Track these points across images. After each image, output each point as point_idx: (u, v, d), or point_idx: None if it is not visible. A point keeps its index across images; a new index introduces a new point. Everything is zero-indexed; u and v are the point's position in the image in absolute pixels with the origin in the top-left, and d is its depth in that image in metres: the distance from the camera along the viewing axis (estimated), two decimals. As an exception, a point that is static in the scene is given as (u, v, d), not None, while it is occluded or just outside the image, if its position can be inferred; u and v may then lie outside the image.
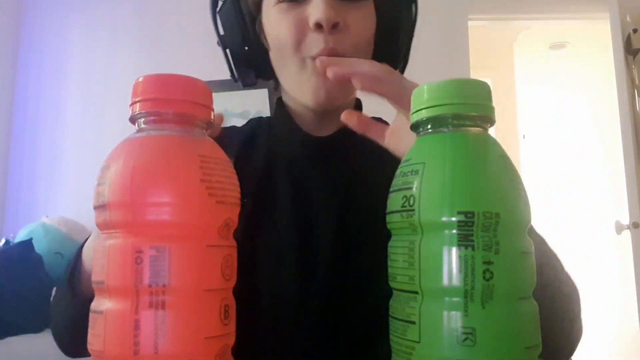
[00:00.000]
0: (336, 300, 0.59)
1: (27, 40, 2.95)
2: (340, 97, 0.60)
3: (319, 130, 0.64)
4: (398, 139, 0.50)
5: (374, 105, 0.71)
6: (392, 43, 0.62)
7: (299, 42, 0.56)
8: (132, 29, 2.81)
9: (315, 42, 0.55)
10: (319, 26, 0.54)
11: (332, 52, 0.55)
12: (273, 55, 0.61)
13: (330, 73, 0.47)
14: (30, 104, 2.89)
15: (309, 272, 0.59)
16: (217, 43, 0.64)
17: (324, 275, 0.59)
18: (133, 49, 2.77)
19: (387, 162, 0.64)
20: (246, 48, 0.61)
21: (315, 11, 0.54)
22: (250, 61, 0.62)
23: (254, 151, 0.66)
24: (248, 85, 0.65)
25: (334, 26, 0.55)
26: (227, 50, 0.63)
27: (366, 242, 0.57)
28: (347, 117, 0.53)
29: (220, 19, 0.63)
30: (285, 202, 0.61)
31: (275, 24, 0.58)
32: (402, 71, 0.65)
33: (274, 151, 0.65)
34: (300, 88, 0.59)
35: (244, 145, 0.66)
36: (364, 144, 0.60)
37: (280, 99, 0.67)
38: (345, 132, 0.63)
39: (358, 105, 0.68)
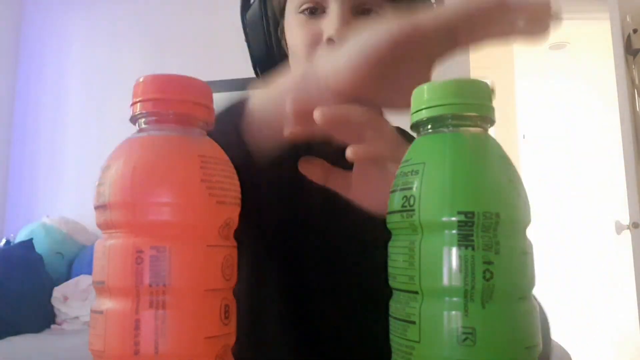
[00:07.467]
0: (326, 301, 0.59)
1: (28, 40, 2.95)
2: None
3: None
4: (362, 192, 0.43)
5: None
6: None
7: (310, 53, 0.57)
8: (132, 29, 2.82)
9: None
10: (331, 41, 0.55)
11: None
12: (290, 59, 0.62)
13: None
14: (31, 104, 2.89)
15: (298, 273, 0.60)
16: (245, 40, 0.66)
17: (315, 275, 0.60)
18: (134, 49, 2.77)
19: None
20: (266, 49, 0.63)
21: (329, 27, 0.55)
22: (269, 62, 0.64)
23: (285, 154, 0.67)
24: None
25: None
26: (250, 49, 0.66)
27: (354, 240, 0.58)
28: (305, 168, 0.44)
29: (247, 18, 0.65)
30: (275, 203, 0.62)
31: (293, 33, 0.59)
32: None
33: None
34: None
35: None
36: None
37: None
38: None
39: None
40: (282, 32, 0.63)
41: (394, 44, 0.34)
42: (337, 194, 0.61)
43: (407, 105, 0.39)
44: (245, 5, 0.66)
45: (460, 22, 0.34)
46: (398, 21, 0.35)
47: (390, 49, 0.35)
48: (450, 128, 0.33)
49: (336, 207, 0.62)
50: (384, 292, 0.34)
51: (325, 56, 0.39)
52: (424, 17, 0.34)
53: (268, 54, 0.63)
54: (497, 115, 0.34)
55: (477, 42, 0.36)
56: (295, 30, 0.59)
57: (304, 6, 0.57)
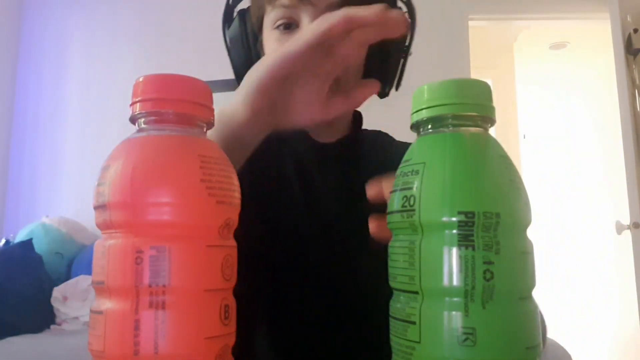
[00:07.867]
0: (342, 297, 0.60)
1: (28, 40, 2.95)
2: None
3: (324, 136, 0.66)
4: None
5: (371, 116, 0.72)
6: (382, 63, 0.63)
7: None
8: (132, 29, 2.82)
9: None
10: None
11: None
12: None
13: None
14: (30, 104, 2.89)
15: (319, 270, 0.62)
16: (227, 54, 0.68)
17: (331, 271, 0.61)
18: (133, 49, 2.77)
19: (390, 167, 0.66)
20: (247, 62, 0.65)
21: None
22: None
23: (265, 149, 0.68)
24: None
25: None
26: (232, 62, 0.67)
27: (368, 243, 0.58)
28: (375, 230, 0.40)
29: (229, 33, 0.67)
30: (298, 203, 0.64)
31: (268, 48, 0.61)
32: (397, 88, 0.66)
33: (284, 153, 0.68)
34: None
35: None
36: (369, 150, 0.60)
37: None
38: (350, 139, 0.65)
39: (357, 117, 0.69)
40: (261, 46, 0.64)
41: (274, 73, 0.41)
42: (332, 200, 0.61)
43: (306, 121, 0.43)
44: (226, 21, 0.67)
45: (320, 42, 0.39)
46: (273, 54, 0.41)
47: (271, 79, 0.41)
48: (451, 128, 0.33)
49: (330, 214, 0.63)
50: (383, 294, 0.34)
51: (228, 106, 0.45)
52: (289, 46, 0.40)
53: (249, 67, 0.64)
54: (498, 115, 0.34)
55: (350, 52, 0.41)
56: (270, 45, 0.60)
57: (279, 22, 0.59)
